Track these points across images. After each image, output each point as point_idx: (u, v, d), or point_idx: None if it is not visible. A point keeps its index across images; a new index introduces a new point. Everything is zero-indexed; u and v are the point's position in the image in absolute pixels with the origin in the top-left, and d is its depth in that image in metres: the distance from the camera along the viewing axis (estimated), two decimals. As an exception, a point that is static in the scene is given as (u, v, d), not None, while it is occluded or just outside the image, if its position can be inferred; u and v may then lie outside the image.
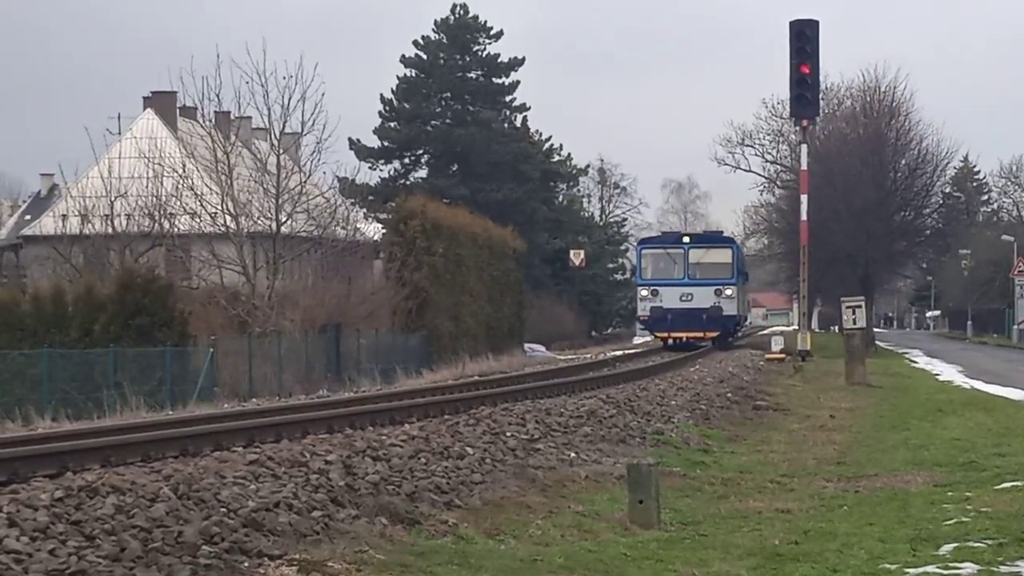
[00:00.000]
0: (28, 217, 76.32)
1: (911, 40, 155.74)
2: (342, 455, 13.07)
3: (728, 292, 48.28)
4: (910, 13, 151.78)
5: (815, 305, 70.67)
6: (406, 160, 78.75)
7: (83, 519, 9.50)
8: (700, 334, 48.37)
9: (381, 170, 77.67)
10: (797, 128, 41.67)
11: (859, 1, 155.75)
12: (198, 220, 48.12)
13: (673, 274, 49.39)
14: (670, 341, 49.20)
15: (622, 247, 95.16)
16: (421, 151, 78.48)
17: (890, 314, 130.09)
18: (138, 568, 9.00)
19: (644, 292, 49.49)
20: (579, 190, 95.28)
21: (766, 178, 79.21)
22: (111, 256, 47.94)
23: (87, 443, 13.19)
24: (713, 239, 52.61)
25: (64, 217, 54.23)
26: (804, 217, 36.40)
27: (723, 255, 50.15)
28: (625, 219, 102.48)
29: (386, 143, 77.35)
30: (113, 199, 51.24)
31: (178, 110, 59.23)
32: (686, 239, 50.61)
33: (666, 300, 47.95)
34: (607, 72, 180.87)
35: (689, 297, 47.94)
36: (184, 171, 48.32)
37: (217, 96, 48.04)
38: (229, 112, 50.48)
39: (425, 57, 78.12)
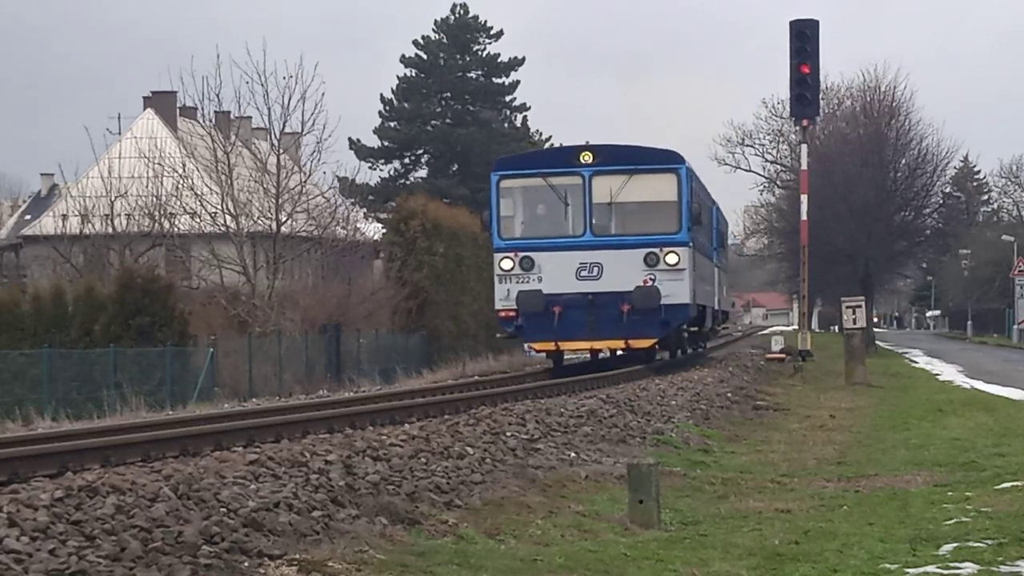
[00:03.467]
0: (28, 217, 76.53)
1: (911, 40, 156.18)
2: (342, 455, 13.07)
3: (673, 259, 27.75)
4: (910, 12, 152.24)
5: (815, 305, 70.71)
6: (406, 160, 78.81)
7: (83, 519, 9.46)
8: (619, 343, 28.83)
9: (381, 170, 77.78)
10: (797, 128, 41.38)
11: (859, 1, 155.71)
12: (198, 220, 48.25)
13: (563, 228, 28.58)
14: (560, 356, 30.37)
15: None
16: (421, 151, 78.58)
17: (896, 314, 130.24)
18: (138, 568, 8.90)
19: (506, 263, 27.92)
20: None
21: (766, 178, 79.54)
22: (111, 256, 48.09)
23: (87, 443, 13.27)
24: (642, 157, 29.20)
25: (64, 217, 54.38)
26: (804, 217, 36.31)
27: (663, 188, 28.91)
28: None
29: (386, 143, 77.43)
30: (113, 199, 51.36)
31: (178, 110, 59.41)
32: (586, 156, 28.48)
33: (549, 279, 27.61)
34: (607, 72, 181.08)
35: (594, 271, 27.76)
36: (184, 171, 48.46)
37: (217, 96, 48.17)
38: (229, 112, 50.59)
39: (425, 57, 78.23)
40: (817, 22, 33.42)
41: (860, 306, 38.02)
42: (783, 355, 39.46)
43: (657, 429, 20.34)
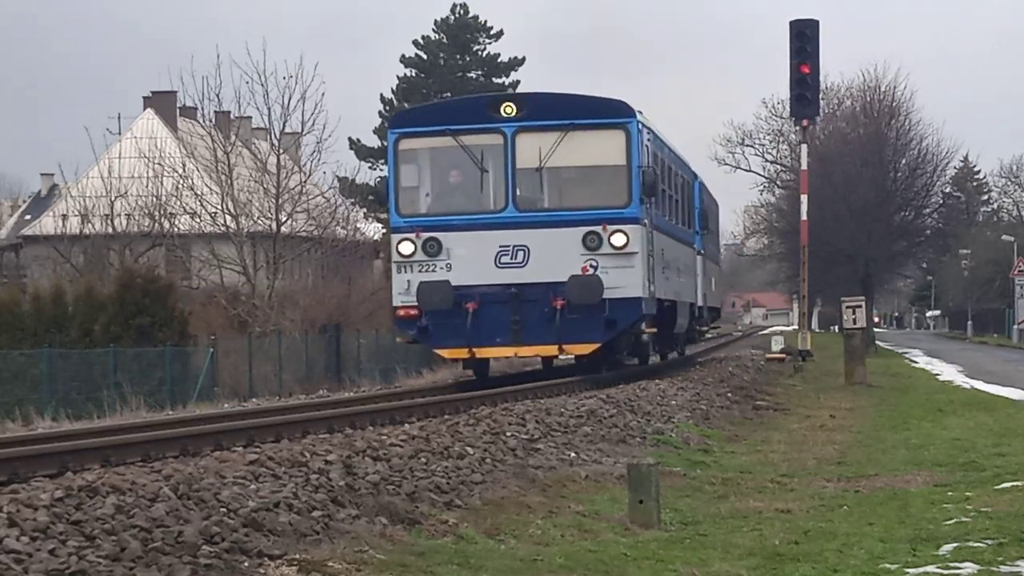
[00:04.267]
0: (28, 217, 76.92)
1: (912, 40, 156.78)
2: (342, 455, 13.05)
3: (620, 240, 22.20)
4: (911, 12, 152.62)
5: (815, 305, 70.90)
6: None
7: (83, 519, 9.46)
8: (551, 349, 23.32)
9: (381, 170, 78.01)
10: (797, 128, 41.45)
11: (860, 1, 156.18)
12: (198, 220, 48.46)
13: (479, 202, 23.00)
14: (483, 364, 24.60)
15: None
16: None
17: (896, 314, 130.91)
18: (138, 568, 8.94)
19: (405, 246, 22.37)
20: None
21: (766, 178, 79.93)
22: (111, 256, 48.35)
23: (87, 443, 13.34)
24: (581, 109, 23.15)
25: (64, 217, 54.64)
26: (804, 217, 36.41)
27: (608, 148, 23.08)
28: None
29: (386, 143, 77.53)
30: (113, 199, 51.58)
31: (178, 110, 59.69)
32: (508, 108, 22.71)
33: (461, 267, 22.20)
34: (607, 72, 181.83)
35: (519, 257, 22.26)
36: (184, 171, 48.70)
37: (217, 96, 48.40)
38: (229, 112, 50.80)
39: (425, 57, 78.49)
40: (817, 22, 33.58)
41: (860, 306, 38.09)
42: (783, 355, 39.62)
43: (657, 429, 20.30)
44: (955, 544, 11.81)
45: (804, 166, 37.44)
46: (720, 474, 17.50)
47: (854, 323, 36.55)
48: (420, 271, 22.20)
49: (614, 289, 22.03)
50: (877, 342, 62.93)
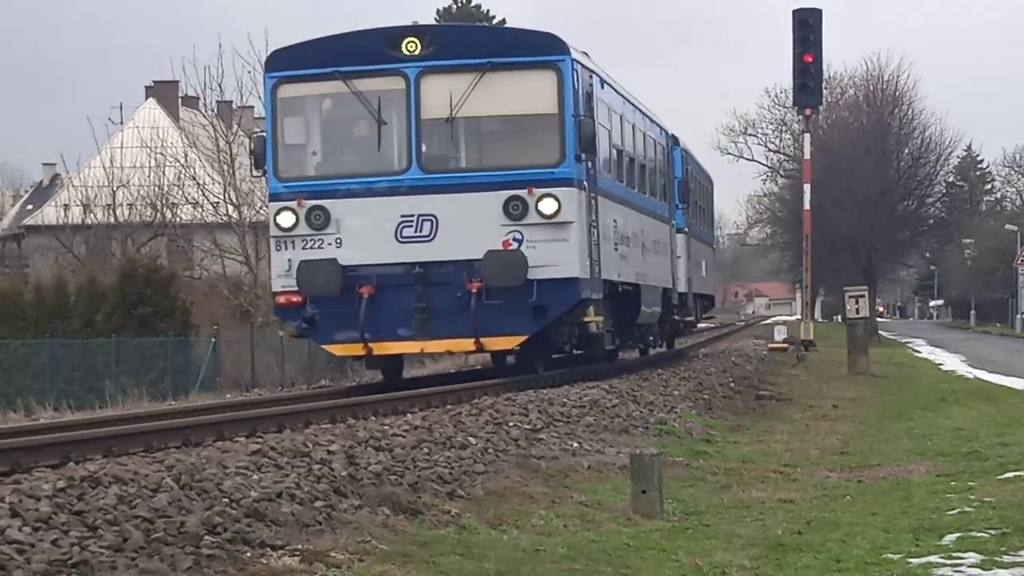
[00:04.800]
0: (30, 207, 77.16)
1: (915, 29, 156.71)
2: (345, 445, 13.06)
3: (550, 206, 18.25)
4: (915, 1, 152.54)
5: (818, 295, 71.04)
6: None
7: (85, 509, 9.51)
8: (466, 343, 19.19)
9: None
10: (800, 117, 41.61)
11: None
12: (200, 210, 48.54)
13: (375, 162, 18.87)
14: (395, 363, 20.97)
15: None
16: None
17: (899, 304, 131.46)
18: (141, 558, 9.01)
19: (285, 217, 18.58)
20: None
21: (769, 167, 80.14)
22: (113, 246, 48.45)
23: (89, 433, 13.34)
24: (500, 45, 19.24)
25: (66, 207, 54.79)
26: (807, 206, 36.61)
27: (534, 93, 18.87)
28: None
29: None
30: (115, 189, 51.67)
31: (180, 99, 59.75)
32: (411, 45, 18.43)
33: (353, 242, 18.38)
34: (613, 60, 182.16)
35: (425, 229, 18.37)
36: (186, 160, 48.79)
37: (219, 85, 48.54)
38: (231, 101, 50.92)
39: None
40: (820, 11, 33.77)
41: (863, 296, 38.36)
42: (786, 345, 39.77)
43: (660, 419, 20.30)
44: (958, 534, 11.89)
45: (807, 155, 37.64)
46: (723, 464, 17.55)
47: (857, 313, 36.76)
48: (304, 248, 17.94)
49: (543, 268, 17.59)
50: (880, 332, 63.38)
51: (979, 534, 11.85)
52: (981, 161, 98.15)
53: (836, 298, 67.58)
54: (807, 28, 32.98)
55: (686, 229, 30.36)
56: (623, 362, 28.52)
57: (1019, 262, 72.64)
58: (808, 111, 36.12)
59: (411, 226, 17.62)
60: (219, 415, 15.76)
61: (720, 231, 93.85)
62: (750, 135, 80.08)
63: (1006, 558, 10.86)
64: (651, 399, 22.05)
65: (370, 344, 17.74)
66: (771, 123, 78.24)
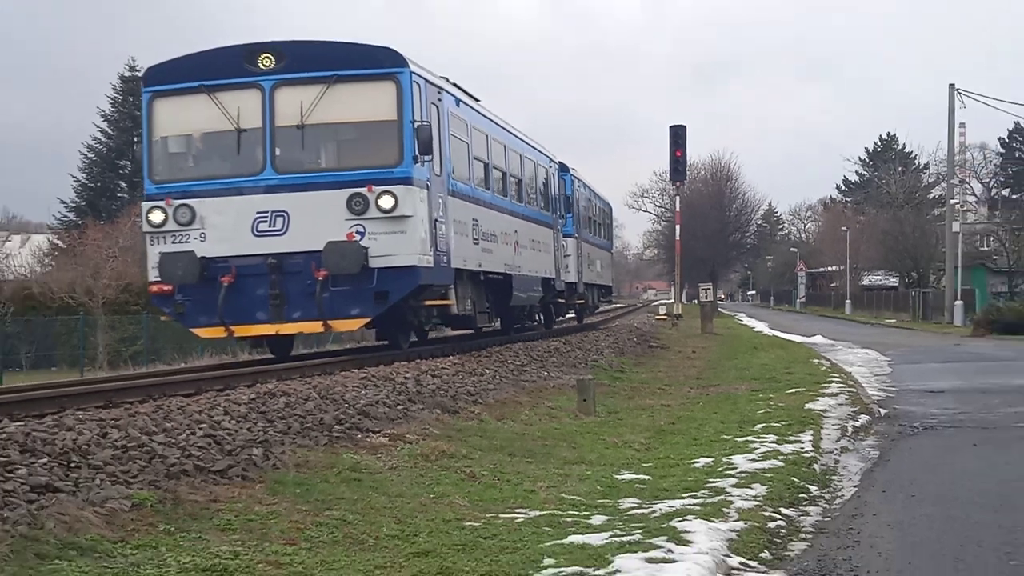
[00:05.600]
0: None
1: (739, 135, 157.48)
2: (415, 374, 12.98)
3: (388, 202, 14.11)
4: (740, 116, 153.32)
5: (684, 288, 73.70)
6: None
7: (266, 410, 9.56)
8: (315, 325, 14.36)
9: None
10: (673, 187, 43.23)
11: (708, 114, 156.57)
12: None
13: (236, 164, 14.66)
14: (283, 342, 16.21)
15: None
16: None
17: (730, 293, 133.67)
18: (298, 438, 9.02)
19: (155, 215, 14.56)
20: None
21: (656, 215, 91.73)
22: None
23: (269, 367, 13.20)
24: (346, 59, 14.42)
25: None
26: (678, 238, 38.72)
27: (377, 101, 14.63)
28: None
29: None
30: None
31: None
32: (266, 60, 14.38)
33: (215, 236, 14.44)
34: (571, 154, 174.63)
35: (278, 223, 14.35)
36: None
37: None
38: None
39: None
40: (685, 126, 35.72)
41: (709, 288, 42.22)
42: (666, 317, 41.50)
43: (593, 359, 20.37)
44: (764, 424, 12.35)
45: (677, 208, 39.93)
46: (629, 384, 17.79)
47: (706, 298, 39.47)
48: (172, 242, 14.47)
49: (383, 257, 14.12)
50: (719, 309, 65.55)
51: (776, 424, 12.30)
52: (776, 211, 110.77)
53: (694, 290, 70.07)
54: (677, 135, 34.98)
55: (575, 234, 25.97)
56: (568, 327, 28.34)
57: (798, 270, 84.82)
58: (678, 184, 37.89)
59: (266, 221, 14.10)
60: (341, 356, 15.56)
61: (629, 251, 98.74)
62: (645, 197, 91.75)
63: (790, 436, 11.45)
64: (589, 348, 22.25)
65: (231, 327, 14.18)
66: (658, 190, 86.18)
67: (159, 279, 14.27)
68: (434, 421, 10.77)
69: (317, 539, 6.43)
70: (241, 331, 14.38)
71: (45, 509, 6.12)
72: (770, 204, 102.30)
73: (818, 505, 8.27)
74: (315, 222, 13.93)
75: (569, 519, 7.32)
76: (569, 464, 9.64)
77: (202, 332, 14.54)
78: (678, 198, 40.60)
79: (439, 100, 15.51)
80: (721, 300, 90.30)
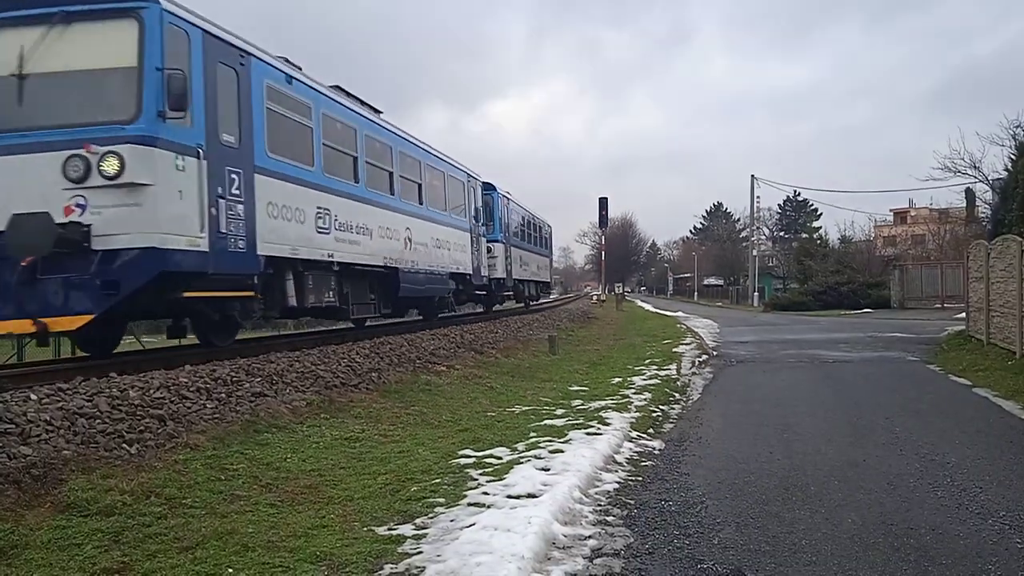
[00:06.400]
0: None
1: (637, 201, 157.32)
2: (461, 332, 13.63)
3: (112, 166, 6.04)
4: (635, 192, 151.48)
5: (607, 285, 77.93)
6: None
7: (379, 352, 10.01)
8: (24, 324, 6.16)
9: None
10: (600, 230, 45.44)
11: (620, 189, 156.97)
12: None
13: None
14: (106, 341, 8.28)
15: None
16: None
17: (631, 288, 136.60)
18: (396, 367, 9.40)
19: None
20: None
21: (592, 247, 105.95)
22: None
23: (382, 327, 14.14)
24: None
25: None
26: (603, 258, 43.33)
27: (112, 46, 6.11)
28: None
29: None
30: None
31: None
32: None
33: None
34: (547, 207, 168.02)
35: None
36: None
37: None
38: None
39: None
40: (607, 197, 39.83)
41: (620, 285, 51.68)
42: (596, 302, 44.49)
43: (556, 325, 20.28)
44: (649, 360, 13.13)
45: (603, 242, 44.68)
46: (577, 338, 18.65)
47: (619, 291, 46.94)
48: None
49: (110, 237, 7.06)
50: (626, 298, 68.85)
51: (656, 360, 13.11)
52: (657, 244, 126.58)
53: (612, 286, 74.58)
54: (603, 202, 37.94)
55: (503, 240, 20.81)
56: (536, 307, 26.89)
57: (668, 276, 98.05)
58: (603, 229, 41.23)
59: None
60: (416, 321, 16.27)
61: (577, 265, 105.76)
62: (585, 236, 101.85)
63: (664, 367, 11.90)
64: (554, 318, 22.70)
65: None
66: (592, 232, 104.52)
67: None
68: (471, 358, 11.51)
69: (406, 422, 7.24)
70: None
71: (259, 406, 6.75)
72: (653, 241, 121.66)
73: (679, 404, 8.87)
74: (27, 193, 7.33)
75: (544, 411, 8.05)
76: (543, 381, 10.30)
77: None
78: (603, 237, 44.46)
79: (241, 64, 8.74)
80: (628, 292, 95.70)
